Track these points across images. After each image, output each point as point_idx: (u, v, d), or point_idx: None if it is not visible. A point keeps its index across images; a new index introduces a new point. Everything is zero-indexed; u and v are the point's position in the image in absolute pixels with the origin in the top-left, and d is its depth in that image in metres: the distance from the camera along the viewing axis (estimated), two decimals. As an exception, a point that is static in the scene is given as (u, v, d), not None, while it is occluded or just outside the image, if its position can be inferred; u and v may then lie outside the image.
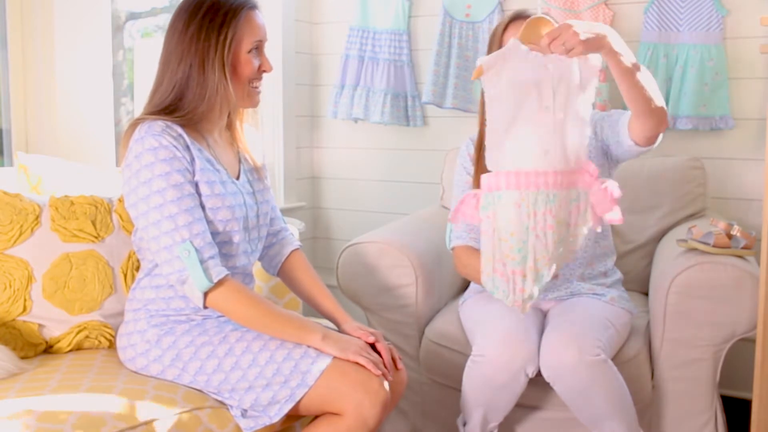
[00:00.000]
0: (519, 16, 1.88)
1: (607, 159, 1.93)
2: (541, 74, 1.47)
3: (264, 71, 1.61)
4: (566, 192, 1.47)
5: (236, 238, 1.57)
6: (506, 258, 1.47)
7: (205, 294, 1.47)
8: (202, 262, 1.45)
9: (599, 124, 1.91)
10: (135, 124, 1.52)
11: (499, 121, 1.46)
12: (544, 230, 1.46)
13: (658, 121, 1.68)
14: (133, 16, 2.82)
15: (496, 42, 1.90)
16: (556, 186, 1.45)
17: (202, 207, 1.51)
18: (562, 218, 1.47)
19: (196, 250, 1.45)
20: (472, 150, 2.02)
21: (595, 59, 1.51)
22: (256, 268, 1.91)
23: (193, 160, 1.52)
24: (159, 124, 1.49)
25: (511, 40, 1.48)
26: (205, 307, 1.49)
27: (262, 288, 2.00)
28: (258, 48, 1.58)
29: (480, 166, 1.94)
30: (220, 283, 1.47)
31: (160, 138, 1.48)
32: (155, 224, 1.46)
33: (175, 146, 1.48)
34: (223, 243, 1.56)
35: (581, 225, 1.51)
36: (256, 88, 1.61)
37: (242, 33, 1.55)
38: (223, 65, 1.53)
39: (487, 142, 1.48)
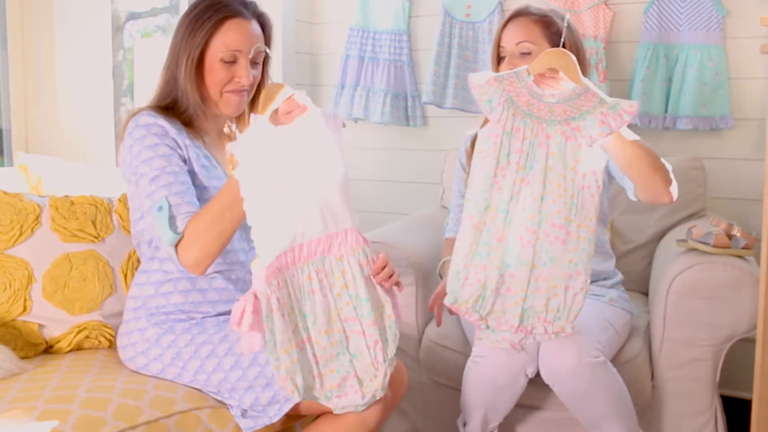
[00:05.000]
0: (519, 14, 1.85)
1: (608, 175, 1.91)
2: (294, 146, 1.41)
3: (239, 82, 1.55)
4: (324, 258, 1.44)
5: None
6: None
7: (176, 248, 1.40)
8: (171, 217, 1.40)
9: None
10: (137, 112, 1.54)
11: (258, 206, 1.37)
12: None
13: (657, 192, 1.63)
14: (133, 16, 2.82)
15: (495, 43, 1.89)
16: (319, 253, 1.43)
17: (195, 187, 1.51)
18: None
19: (170, 205, 1.41)
20: (468, 145, 2.02)
21: (333, 118, 1.46)
22: None
23: (187, 146, 1.53)
24: (160, 114, 1.53)
25: (253, 117, 1.39)
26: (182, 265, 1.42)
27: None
28: (235, 59, 1.54)
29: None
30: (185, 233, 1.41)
31: (156, 118, 1.51)
32: (140, 188, 1.48)
33: (169, 128, 1.51)
34: None
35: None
36: (232, 95, 1.56)
37: (215, 39, 1.53)
38: (191, 68, 1.53)
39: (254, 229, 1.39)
